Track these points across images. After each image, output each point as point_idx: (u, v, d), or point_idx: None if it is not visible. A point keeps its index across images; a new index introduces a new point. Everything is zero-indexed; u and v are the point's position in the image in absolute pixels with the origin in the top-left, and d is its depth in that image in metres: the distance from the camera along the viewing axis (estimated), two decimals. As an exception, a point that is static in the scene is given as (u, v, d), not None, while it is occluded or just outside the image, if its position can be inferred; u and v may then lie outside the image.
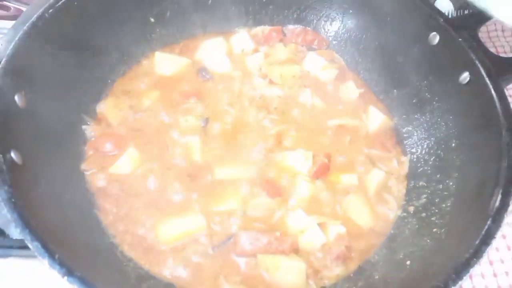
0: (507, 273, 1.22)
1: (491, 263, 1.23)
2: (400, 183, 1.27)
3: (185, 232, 1.10)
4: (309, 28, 1.55)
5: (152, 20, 1.44)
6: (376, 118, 1.37)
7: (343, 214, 1.19)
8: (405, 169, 1.30)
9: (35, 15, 1.09)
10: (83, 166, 1.18)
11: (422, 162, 1.29)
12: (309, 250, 1.12)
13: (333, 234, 1.13)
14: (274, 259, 1.08)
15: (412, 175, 1.28)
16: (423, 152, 1.30)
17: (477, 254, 0.85)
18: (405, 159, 1.32)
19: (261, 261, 1.08)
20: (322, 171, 1.23)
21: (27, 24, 1.07)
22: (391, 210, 1.22)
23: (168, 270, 1.06)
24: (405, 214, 1.21)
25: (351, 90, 1.43)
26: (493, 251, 1.25)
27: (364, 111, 1.40)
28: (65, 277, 0.74)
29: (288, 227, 1.14)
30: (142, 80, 1.38)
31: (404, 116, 1.38)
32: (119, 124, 1.27)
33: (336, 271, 1.10)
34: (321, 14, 1.54)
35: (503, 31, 1.73)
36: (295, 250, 1.11)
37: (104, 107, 1.30)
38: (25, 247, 0.79)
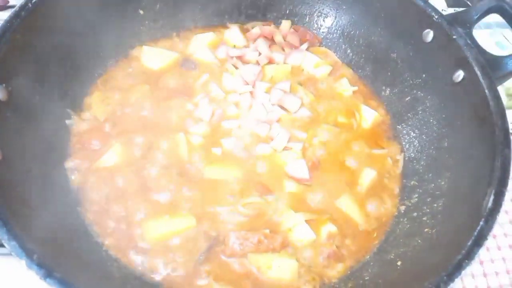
0: (497, 273, 1.21)
1: (481, 263, 1.22)
2: (394, 182, 1.25)
3: (173, 232, 1.07)
4: (300, 26, 1.52)
5: (141, 12, 1.40)
6: (369, 116, 1.36)
7: (335, 213, 1.17)
8: (399, 167, 1.28)
9: (18, 5, 1.05)
10: (68, 162, 1.14)
11: (414, 161, 1.28)
12: (300, 248, 1.10)
13: (325, 233, 1.12)
14: (265, 257, 1.06)
15: (403, 174, 1.27)
16: (415, 150, 1.29)
17: (469, 255, 0.84)
18: (400, 157, 1.30)
19: (252, 261, 1.06)
20: (312, 170, 1.21)
21: (9, 14, 1.03)
22: (385, 210, 1.20)
23: (155, 270, 1.03)
24: (396, 213, 1.20)
25: (345, 87, 1.41)
26: (483, 251, 1.24)
27: (357, 109, 1.37)
28: (44, 279, 0.71)
29: (278, 225, 1.12)
30: (130, 74, 1.34)
31: (396, 114, 1.37)
32: (106, 119, 1.24)
33: (330, 270, 1.09)
34: (314, 10, 1.52)
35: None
36: (286, 248, 1.09)
37: (91, 102, 1.26)
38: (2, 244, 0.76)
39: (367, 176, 1.23)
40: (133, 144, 1.19)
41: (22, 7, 1.05)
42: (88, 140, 1.19)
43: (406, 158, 1.30)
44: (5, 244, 0.74)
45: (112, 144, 1.18)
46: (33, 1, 1.06)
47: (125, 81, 1.33)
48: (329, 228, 1.12)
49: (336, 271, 1.09)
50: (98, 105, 1.26)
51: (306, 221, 1.11)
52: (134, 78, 1.34)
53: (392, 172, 1.27)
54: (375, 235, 1.16)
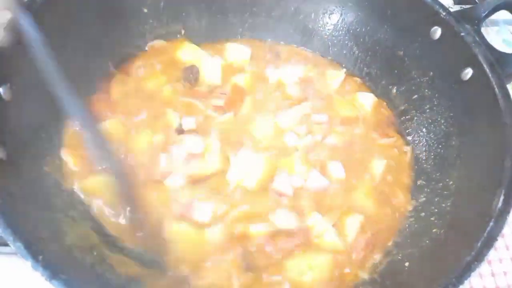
0: (505, 273, 1.20)
1: (489, 262, 1.22)
2: (405, 176, 1.24)
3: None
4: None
5: (145, 10, 1.39)
6: (366, 101, 1.35)
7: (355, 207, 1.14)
8: (408, 157, 1.27)
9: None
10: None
11: (421, 160, 1.26)
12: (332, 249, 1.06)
13: (355, 227, 1.08)
14: (302, 260, 1.01)
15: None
16: (423, 149, 1.28)
17: (478, 257, 0.82)
18: (408, 149, 1.29)
19: (291, 267, 1.00)
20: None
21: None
22: (399, 205, 1.18)
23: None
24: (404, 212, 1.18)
25: (368, 100, 1.38)
26: (491, 251, 1.23)
27: (353, 98, 1.37)
28: (50, 280, 0.71)
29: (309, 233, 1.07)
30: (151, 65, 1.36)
31: (403, 113, 1.36)
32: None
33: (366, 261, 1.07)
34: (320, 7, 1.50)
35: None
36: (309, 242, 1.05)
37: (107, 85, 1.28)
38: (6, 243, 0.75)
39: (378, 166, 1.21)
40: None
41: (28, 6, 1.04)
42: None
43: (414, 157, 1.28)
44: (11, 245, 0.74)
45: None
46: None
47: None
48: (359, 219, 1.10)
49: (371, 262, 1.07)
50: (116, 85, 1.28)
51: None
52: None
53: (402, 163, 1.25)
54: (396, 229, 1.13)
